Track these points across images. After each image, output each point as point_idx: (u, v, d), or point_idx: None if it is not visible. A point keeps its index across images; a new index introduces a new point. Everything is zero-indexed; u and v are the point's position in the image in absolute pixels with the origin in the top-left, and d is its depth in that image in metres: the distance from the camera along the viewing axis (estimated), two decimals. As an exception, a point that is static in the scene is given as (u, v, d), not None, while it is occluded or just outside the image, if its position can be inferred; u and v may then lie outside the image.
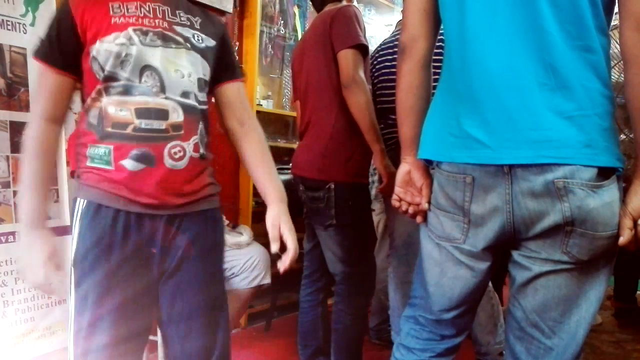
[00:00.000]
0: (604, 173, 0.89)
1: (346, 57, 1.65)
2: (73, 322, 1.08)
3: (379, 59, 2.08)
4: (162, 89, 1.10)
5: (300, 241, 2.54)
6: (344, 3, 1.81)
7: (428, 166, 1.11)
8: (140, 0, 1.14)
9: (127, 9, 1.12)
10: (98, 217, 1.08)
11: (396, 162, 1.71)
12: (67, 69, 1.10)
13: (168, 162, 1.10)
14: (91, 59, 1.07)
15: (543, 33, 0.90)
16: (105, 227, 1.08)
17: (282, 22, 3.01)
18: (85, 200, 1.09)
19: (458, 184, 1.00)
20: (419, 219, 1.14)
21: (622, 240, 0.91)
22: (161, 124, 1.10)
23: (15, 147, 1.70)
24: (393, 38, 2.11)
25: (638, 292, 3.07)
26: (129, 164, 1.07)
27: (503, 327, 2.03)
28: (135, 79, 1.08)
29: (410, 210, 1.14)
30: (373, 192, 2.42)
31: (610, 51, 0.95)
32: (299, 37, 3.08)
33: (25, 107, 1.73)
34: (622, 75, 0.93)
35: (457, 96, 1.00)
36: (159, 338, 1.68)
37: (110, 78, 1.07)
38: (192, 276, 1.18)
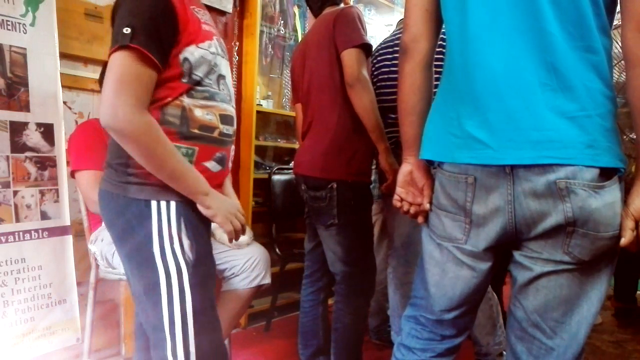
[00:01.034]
0: (605, 173, 0.89)
1: (350, 56, 1.65)
2: (189, 310, 1.08)
3: (378, 59, 2.08)
4: (230, 98, 1.20)
5: (301, 241, 2.54)
6: (342, 6, 1.81)
7: (429, 166, 1.11)
8: (203, 8, 1.18)
9: (204, 14, 1.16)
10: (195, 214, 1.12)
11: (396, 162, 1.71)
12: (164, 65, 1.04)
13: (229, 163, 1.22)
14: (182, 59, 1.06)
15: (545, 34, 0.90)
16: (202, 222, 1.15)
17: (282, 22, 3.01)
18: (173, 202, 1.09)
19: (460, 184, 0.99)
20: (420, 219, 1.14)
21: (624, 241, 0.91)
22: (232, 129, 1.20)
23: (15, 147, 1.70)
24: (392, 37, 2.11)
25: (638, 292, 3.08)
26: (211, 165, 1.14)
27: (502, 328, 2.03)
28: (216, 87, 1.15)
29: (412, 210, 1.14)
30: (374, 192, 2.42)
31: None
32: (299, 37, 3.07)
33: (25, 107, 1.72)
34: (622, 74, 0.93)
35: (458, 96, 1.00)
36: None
37: (196, 83, 1.09)
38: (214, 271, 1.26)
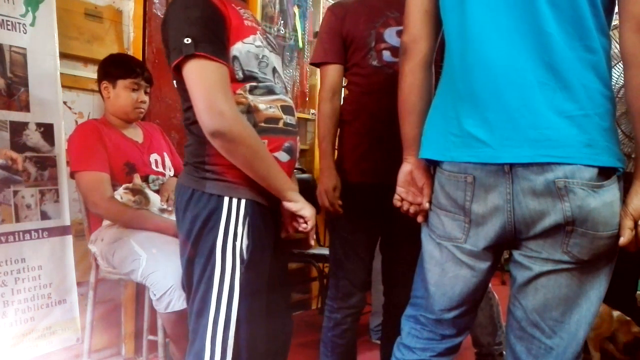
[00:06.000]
0: (604, 173, 0.90)
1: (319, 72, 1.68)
2: (236, 307, 1.10)
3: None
4: (286, 90, 1.23)
5: (301, 241, 2.50)
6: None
7: (429, 166, 1.12)
8: (242, 6, 1.20)
9: (244, 12, 1.17)
10: (260, 215, 1.15)
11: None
12: (228, 62, 1.09)
13: (296, 153, 1.23)
14: (232, 58, 1.10)
15: (543, 33, 0.90)
16: (265, 225, 1.16)
17: (282, 22, 3.01)
18: (244, 200, 1.12)
19: (459, 184, 1.00)
20: (420, 218, 1.14)
21: (623, 240, 0.91)
22: (294, 120, 1.22)
23: (15, 147, 1.70)
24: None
25: (638, 292, 3.07)
26: (281, 156, 1.16)
27: (502, 328, 2.03)
28: (272, 80, 1.18)
29: (412, 210, 1.14)
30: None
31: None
32: (299, 37, 3.08)
33: (25, 107, 1.72)
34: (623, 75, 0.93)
35: (457, 96, 1.00)
36: (159, 338, 1.68)
37: (252, 78, 1.13)
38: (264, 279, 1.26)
